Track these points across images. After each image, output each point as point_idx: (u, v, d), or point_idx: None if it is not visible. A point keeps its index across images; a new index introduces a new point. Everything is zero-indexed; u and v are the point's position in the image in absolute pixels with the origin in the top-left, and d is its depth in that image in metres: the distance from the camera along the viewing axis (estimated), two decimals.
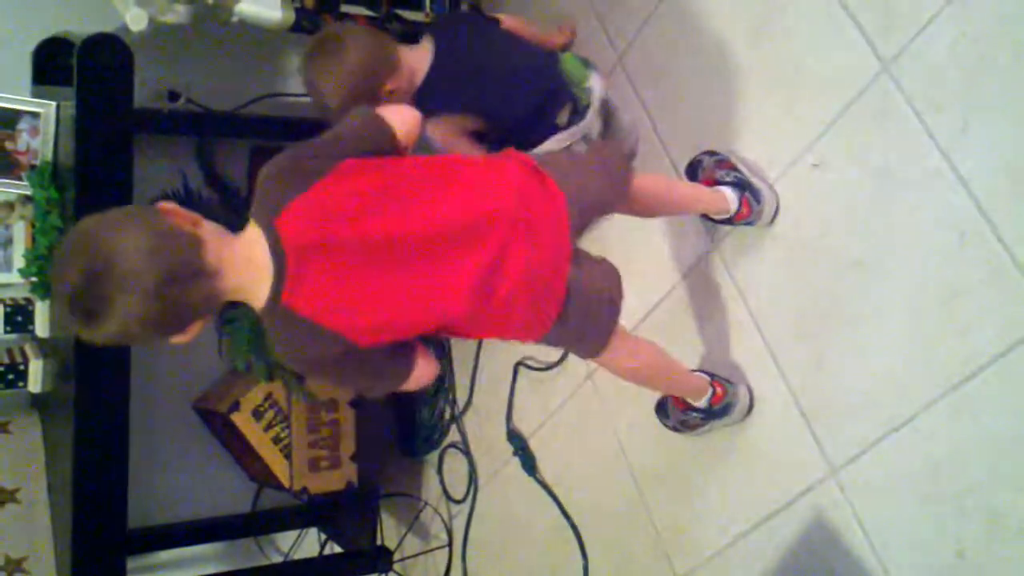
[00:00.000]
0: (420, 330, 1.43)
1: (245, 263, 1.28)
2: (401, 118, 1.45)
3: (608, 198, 1.59)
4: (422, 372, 1.44)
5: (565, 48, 2.16)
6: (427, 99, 1.87)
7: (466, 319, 1.43)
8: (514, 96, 1.91)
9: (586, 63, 1.99)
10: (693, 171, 1.84)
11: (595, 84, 1.96)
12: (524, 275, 1.40)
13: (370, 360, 1.39)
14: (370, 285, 1.33)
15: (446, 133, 1.90)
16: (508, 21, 2.06)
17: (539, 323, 1.48)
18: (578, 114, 1.94)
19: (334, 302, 1.31)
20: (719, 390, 1.78)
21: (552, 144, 1.94)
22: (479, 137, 1.93)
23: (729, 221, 1.75)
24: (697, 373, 1.84)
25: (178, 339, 1.27)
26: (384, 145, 1.42)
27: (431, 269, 1.36)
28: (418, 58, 1.88)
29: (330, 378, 1.42)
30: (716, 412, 1.79)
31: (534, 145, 1.93)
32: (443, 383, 2.78)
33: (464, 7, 2.54)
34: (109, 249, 1.18)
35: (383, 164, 1.41)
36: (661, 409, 1.91)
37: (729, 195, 1.72)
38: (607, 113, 2.02)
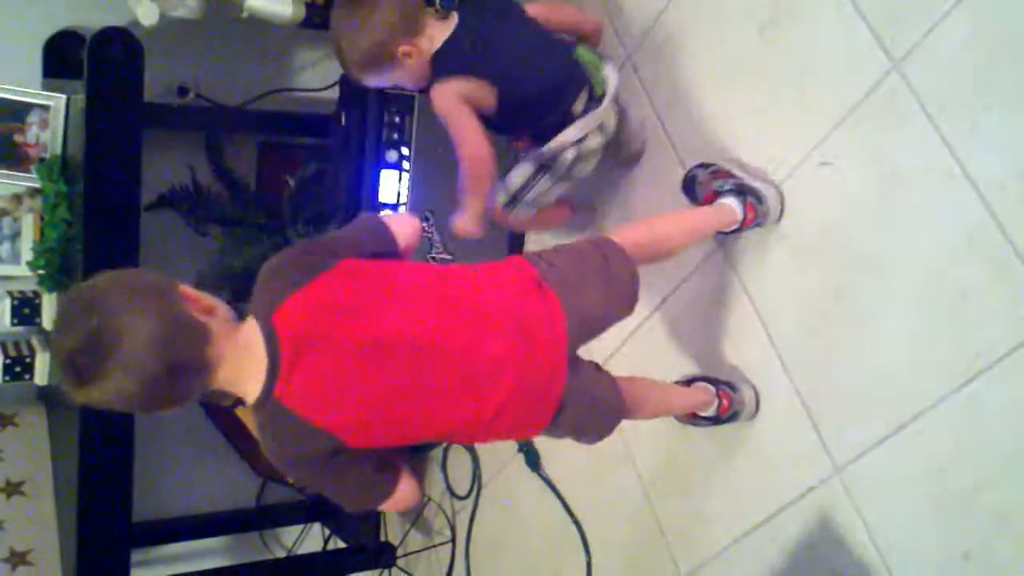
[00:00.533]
0: (408, 434, 1.43)
1: (241, 356, 1.29)
2: (402, 227, 1.49)
3: (612, 313, 1.59)
4: (404, 495, 1.43)
5: (593, 36, 2.15)
6: (442, 62, 1.84)
7: (454, 428, 1.46)
8: (532, 69, 1.88)
9: (599, 55, 1.98)
10: (690, 187, 1.83)
11: (610, 74, 1.94)
12: (515, 393, 1.42)
13: (355, 468, 1.38)
14: (361, 381, 1.34)
15: (454, 99, 1.82)
16: (535, 8, 2.04)
17: (530, 429, 1.53)
18: (594, 101, 1.92)
19: (325, 396, 1.31)
20: (725, 401, 1.79)
21: (571, 132, 1.91)
22: (489, 125, 1.87)
23: (739, 230, 1.74)
24: (700, 384, 1.83)
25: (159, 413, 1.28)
26: (385, 249, 1.45)
27: (420, 377, 1.37)
28: (442, 27, 1.86)
29: (315, 481, 1.43)
30: (724, 420, 1.80)
31: (548, 132, 1.92)
32: None
33: None
34: (121, 327, 1.17)
35: (384, 267, 1.43)
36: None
37: (733, 205, 1.71)
38: (620, 108, 2.02)
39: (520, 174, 1.99)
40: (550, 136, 1.93)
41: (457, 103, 1.82)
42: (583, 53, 1.95)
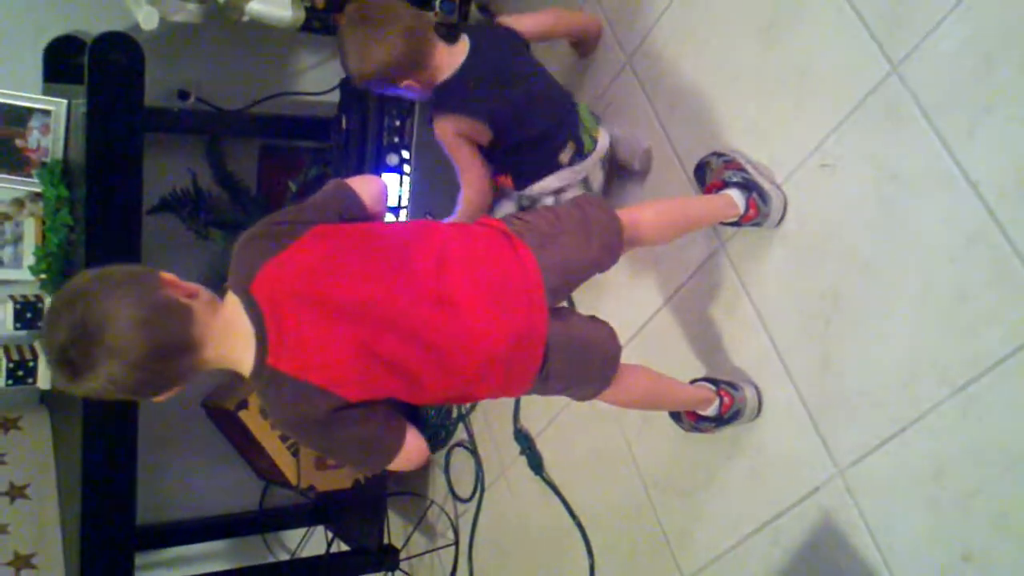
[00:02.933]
0: (397, 389, 1.42)
1: (226, 332, 1.31)
2: (366, 187, 1.52)
3: (593, 259, 1.58)
4: (411, 449, 1.42)
5: (593, 39, 2.17)
6: (446, 96, 1.90)
7: (436, 379, 1.44)
8: (528, 117, 1.93)
9: (597, 119, 2.03)
10: (700, 172, 1.84)
11: (602, 139, 2.00)
12: (492, 352, 1.43)
13: (358, 426, 1.38)
14: (340, 338, 1.35)
15: (452, 134, 1.92)
16: (535, 20, 2.06)
17: (516, 384, 1.51)
18: (581, 156, 1.97)
19: (313, 355, 1.33)
20: (726, 399, 1.78)
21: (552, 181, 1.98)
22: (483, 153, 1.96)
23: (736, 223, 1.75)
24: (701, 383, 1.83)
25: (154, 400, 1.30)
26: (353, 212, 1.48)
27: (393, 344, 1.38)
28: (451, 55, 1.90)
29: (321, 441, 1.43)
30: (727, 419, 1.80)
31: (531, 175, 1.98)
32: None
33: (473, 5, 2.55)
34: (103, 314, 1.20)
35: (355, 229, 1.46)
36: (675, 416, 1.90)
37: (736, 197, 1.72)
38: (609, 167, 2.08)
39: (502, 212, 2.04)
40: (532, 179, 1.98)
41: (455, 137, 1.92)
42: (583, 110, 2.00)
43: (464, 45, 1.91)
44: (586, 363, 1.57)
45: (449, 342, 1.41)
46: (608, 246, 1.58)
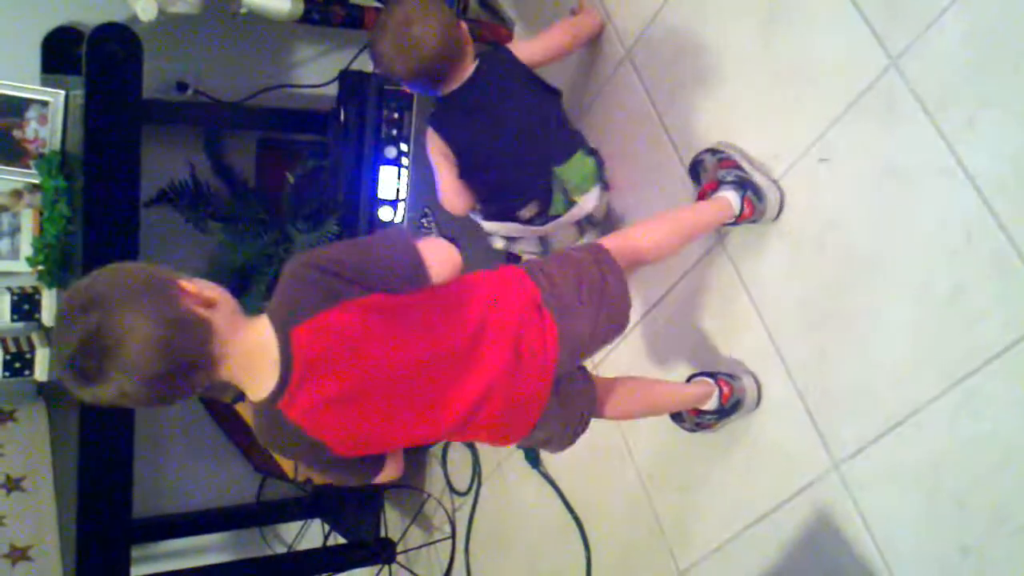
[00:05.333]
0: (392, 448, 1.47)
1: (248, 358, 1.27)
2: (439, 259, 1.39)
3: (604, 340, 1.58)
4: (389, 472, 1.47)
5: (595, 34, 2.18)
6: (437, 109, 1.94)
7: (436, 438, 1.54)
8: (491, 164, 1.95)
9: (600, 178, 2.00)
10: (695, 171, 1.84)
11: (584, 203, 1.98)
12: (501, 413, 1.45)
13: (343, 462, 1.41)
14: (360, 414, 1.35)
15: (431, 146, 1.98)
16: (545, 43, 2.05)
17: (502, 442, 1.58)
18: (544, 216, 1.98)
19: (325, 419, 1.33)
20: (725, 389, 1.78)
21: (504, 228, 2.02)
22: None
23: (734, 223, 1.74)
24: (699, 379, 1.83)
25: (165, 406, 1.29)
26: (416, 284, 1.36)
27: (422, 401, 1.39)
28: (461, 75, 1.91)
29: (302, 465, 1.46)
30: (727, 410, 1.80)
31: (489, 215, 2.02)
32: None
33: (474, 1, 2.55)
34: (120, 328, 1.15)
35: (408, 301, 1.37)
36: (676, 417, 1.90)
37: (731, 198, 1.71)
38: (586, 225, 2.09)
39: (476, 220, 2.09)
40: (490, 217, 2.03)
41: (434, 152, 1.98)
42: (586, 167, 1.97)
43: (472, 65, 1.91)
44: (565, 435, 1.62)
45: (467, 403, 1.42)
46: (613, 324, 1.57)
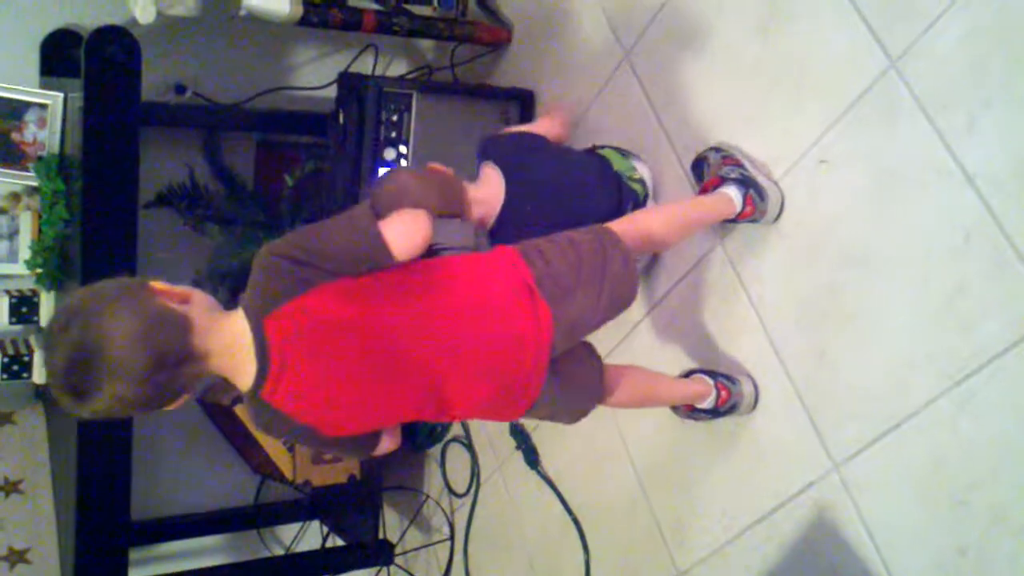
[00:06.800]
0: (382, 427, 1.49)
1: (229, 351, 1.30)
2: (402, 234, 1.40)
3: (605, 317, 1.58)
4: (385, 445, 1.50)
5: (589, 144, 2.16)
6: (505, 225, 1.86)
7: (428, 418, 1.53)
8: (588, 205, 1.90)
9: (625, 153, 2.02)
10: (698, 168, 1.85)
11: (643, 172, 2.00)
12: (491, 394, 1.48)
13: (337, 440, 1.44)
14: (341, 393, 1.37)
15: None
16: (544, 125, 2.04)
17: (500, 417, 1.62)
18: (640, 207, 1.97)
19: (308, 403, 1.35)
20: (723, 393, 1.79)
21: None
22: None
23: (734, 221, 1.75)
24: (698, 376, 1.83)
25: (164, 409, 1.29)
26: (378, 265, 1.38)
27: (403, 380, 1.40)
28: (490, 192, 1.85)
29: (297, 442, 1.48)
30: (722, 412, 1.80)
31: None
32: None
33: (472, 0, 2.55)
34: (99, 334, 1.19)
35: (376, 278, 1.39)
36: (673, 407, 1.91)
37: (733, 195, 1.71)
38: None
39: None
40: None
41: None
42: (612, 156, 1.99)
43: (494, 177, 1.86)
44: (568, 408, 1.63)
45: (452, 385, 1.44)
46: (615, 302, 1.57)
